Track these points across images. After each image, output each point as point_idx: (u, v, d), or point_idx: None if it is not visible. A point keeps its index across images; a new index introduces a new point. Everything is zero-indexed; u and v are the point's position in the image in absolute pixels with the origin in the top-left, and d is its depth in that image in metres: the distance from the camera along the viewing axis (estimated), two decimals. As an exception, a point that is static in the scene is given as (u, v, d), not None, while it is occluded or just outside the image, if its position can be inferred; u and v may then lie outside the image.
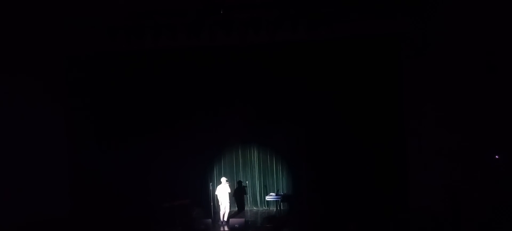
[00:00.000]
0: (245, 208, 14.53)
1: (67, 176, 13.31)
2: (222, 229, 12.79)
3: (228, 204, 13.26)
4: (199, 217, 12.79)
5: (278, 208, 13.73)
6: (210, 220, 13.02)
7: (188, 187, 13.77)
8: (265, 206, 14.67)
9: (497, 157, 11.45)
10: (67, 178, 13.31)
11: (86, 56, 13.39)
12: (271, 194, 13.97)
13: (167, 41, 12.54)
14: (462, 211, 11.42)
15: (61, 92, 13.29)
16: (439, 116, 12.00)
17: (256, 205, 14.83)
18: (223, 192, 13.18)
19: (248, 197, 14.72)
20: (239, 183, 14.47)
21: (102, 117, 13.83)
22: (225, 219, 13.16)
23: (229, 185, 13.41)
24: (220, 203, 13.21)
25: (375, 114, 13.17)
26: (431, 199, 11.85)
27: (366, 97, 13.23)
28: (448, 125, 11.83)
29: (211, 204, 13.45)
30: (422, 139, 12.28)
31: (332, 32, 12.30)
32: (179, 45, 12.81)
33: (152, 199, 13.26)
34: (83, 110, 13.58)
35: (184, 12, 12.14)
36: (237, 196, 14.31)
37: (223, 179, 13.40)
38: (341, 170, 13.41)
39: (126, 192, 13.34)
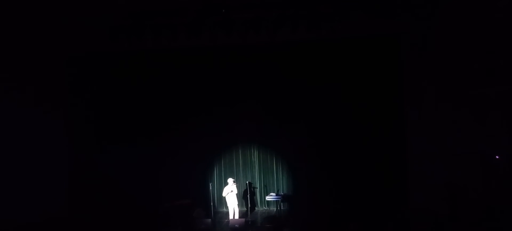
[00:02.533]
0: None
1: (67, 175, 13.31)
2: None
3: (237, 204, 13.28)
4: (200, 217, 12.76)
5: (278, 208, 13.73)
6: (210, 220, 13.00)
7: (188, 187, 13.80)
8: (265, 206, 14.67)
9: (497, 157, 11.43)
10: (67, 178, 13.31)
11: (86, 56, 13.41)
12: (271, 194, 13.98)
13: (167, 41, 12.54)
14: (461, 210, 11.42)
15: (61, 92, 13.30)
16: (440, 116, 12.02)
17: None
18: (230, 192, 13.21)
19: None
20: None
21: (101, 116, 13.85)
22: (234, 216, 13.21)
23: (236, 186, 13.42)
24: (228, 204, 13.26)
25: (376, 114, 13.21)
26: (431, 198, 11.88)
27: (366, 96, 13.28)
28: (448, 124, 11.85)
29: (211, 204, 13.44)
30: (422, 138, 12.30)
31: (333, 32, 12.31)
32: (179, 46, 12.83)
33: (152, 199, 13.25)
34: (83, 110, 13.61)
35: (185, 12, 12.14)
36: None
37: (230, 180, 13.41)
38: (342, 170, 13.46)
39: (126, 192, 13.34)
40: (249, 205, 14.24)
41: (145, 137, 13.80)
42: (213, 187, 14.15)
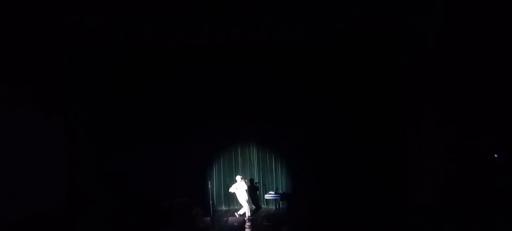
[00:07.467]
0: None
1: (66, 174, 13.26)
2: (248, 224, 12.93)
3: (245, 200, 13.32)
4: (198, 216, 12.78)
5: (277, 207, 13.72)
6: (209, 218, 13.00)
7: (187, 186, 13.78)
8: (264, 205, 14.67)
9: (495, 155, 11.47)
10: (66, 177, 13.26)
11: (85, 55, 13.34)
12: (270, 192, 13.96)
13: (166, 40, 12.48)
14: (461, 210, 11.44)
15: (59, 90, 13.24)
16: (439, 115, 12.03)
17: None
18: (240, 190, 13.26)
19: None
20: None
21: (100, 115, 13.77)
22: (249, 214, 13.28)
23: (245, 182, 13.46)
24: (240, 202, 13.38)
25: (375, 114, 13.19)
26: (431, 198, 11.88)
27: (366, 96, 13.24)
28: (448, 124, 11.86)
29: (210, 203, 13.44)
30: (422, 138, 12.29)
31: (332, 31, 12.23)
32: (179, 44, 12.76)
33: (151, 198, 13.23)
34: (82, 109, 13.53)
35: (184, 11, 12.12)
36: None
37: (238, 177, 13.46)
38: (341, 169, 13.43)
39: (124, 190, 13.32)
40: (249, 201, 14.25)
41: (144, 135, 13.75)
42: (212, 185, 14.13)
